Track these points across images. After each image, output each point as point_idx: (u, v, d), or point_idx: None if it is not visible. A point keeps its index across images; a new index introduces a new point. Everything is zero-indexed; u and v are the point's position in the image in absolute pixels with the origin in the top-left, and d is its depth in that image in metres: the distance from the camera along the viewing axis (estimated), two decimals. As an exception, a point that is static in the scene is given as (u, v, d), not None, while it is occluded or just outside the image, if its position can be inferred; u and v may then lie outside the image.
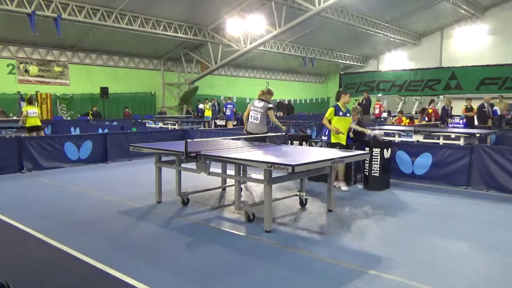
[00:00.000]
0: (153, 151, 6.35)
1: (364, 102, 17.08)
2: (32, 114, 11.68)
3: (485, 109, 14.34)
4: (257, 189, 7.11)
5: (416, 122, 15.30)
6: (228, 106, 18.25)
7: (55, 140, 9.60)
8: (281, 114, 25.35)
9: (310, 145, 8.06)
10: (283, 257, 4.15)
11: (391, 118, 19.79)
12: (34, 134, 11.42)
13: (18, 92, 18.11)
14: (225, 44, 21.36)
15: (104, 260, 3.96)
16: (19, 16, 15.16)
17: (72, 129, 15.02)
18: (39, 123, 11.89)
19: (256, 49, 21.71)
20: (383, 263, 4.00)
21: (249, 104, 7.91)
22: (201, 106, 21.63)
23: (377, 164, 7.20)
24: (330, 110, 7.02)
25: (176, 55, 23.78)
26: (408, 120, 16.10)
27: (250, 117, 7.72)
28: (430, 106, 16.39)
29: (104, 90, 20.76)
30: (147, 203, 6.27)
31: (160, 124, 16.75)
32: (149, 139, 10.64)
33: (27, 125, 11.66)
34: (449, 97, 20.30)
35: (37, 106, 15.56)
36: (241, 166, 5.51)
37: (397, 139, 10.87)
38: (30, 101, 12.31)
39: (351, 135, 7.72)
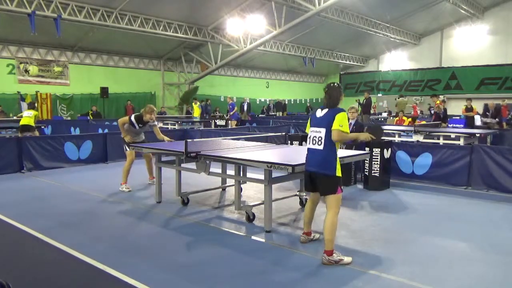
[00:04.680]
0: (153, 151, 6.36)
1: (364, 102, 17.15)
2: (25, 114, 11.86)
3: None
4: (257, 189, 7.10)
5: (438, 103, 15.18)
6: (233, 105, 18.90)
7: (55, 140, 9.60)
8: (280, 114, 25.33)
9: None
10: (283, 257, 4.15)
11: (392, 118, 19.81)
12: (28, 134, 11.41)
13: (18, 92, 18.11)
14: (225, 44, 21.35)
15: (104, 260, 3.96)
16: (19, 16, 15.16)
17: (72, 129, 15.02)
18: (29, 123, 11.77)
19: (256, 49, 21.70)
20: (383, 263, 4.00)
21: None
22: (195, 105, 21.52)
23: (377, 164, 7.20)
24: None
25: (176, 55, 23.77)
26: (409, 120, 16.08)
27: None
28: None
29: (104, 90, 20.76)
30: (147, 203, 6.27)
31: (160, 124, 16.73)
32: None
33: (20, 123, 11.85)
34: (449, 97, 20.34)
35: (36, 109, 15.40)
36: (241, 166, 5.51)
37: (397, 139, 10.87)
38: (31, 107, 12.84)
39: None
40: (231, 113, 19.07)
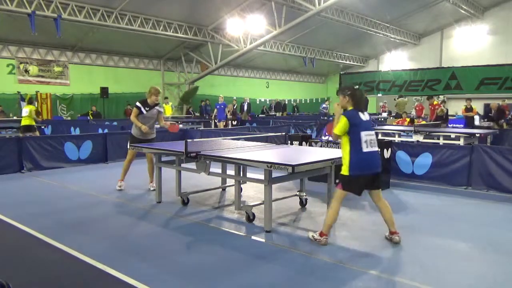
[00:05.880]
0: (153, 151, 6.35)
1: None
2: (23, 113, 11.71)
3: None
4: (257, 189, 7.10)
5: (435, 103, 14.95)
6: (221, 105, 18.52)
7: (55, 140, 9.59)
8: (280, 114, 25.33)
9: (310, 145, 8.05)
10: (283, 257, 4.15)
11: (392, 118, 19.84)
12: (28, 134, 11.34)
13: (18, 92, 18.12)
14: (225, 44, 21.36)
15: (104, 260, 3.96)
16: (19, 16, 15.17)
17: (72, 129, 15.01)
18: (30, 123, 11.58)
19: (256, 49, 21.72)
20: (383, 263, 4.00)
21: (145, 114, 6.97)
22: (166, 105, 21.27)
23: (377, 164, 7.19)
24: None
25: (176, 55, 23.78)
26: (408, 120, 16.09)
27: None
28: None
29: (104, 90, 20.78)
30: (147, 203, 6.27)
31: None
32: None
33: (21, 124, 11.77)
34: (449, 97, 20.34)
35: (35, 106, 15.31)
36: (241, 166, 5.51)
37: (397, 139, 10.87)
38: (29, 102, 12.54)
39: None
40: (215, 113, 18.73)
